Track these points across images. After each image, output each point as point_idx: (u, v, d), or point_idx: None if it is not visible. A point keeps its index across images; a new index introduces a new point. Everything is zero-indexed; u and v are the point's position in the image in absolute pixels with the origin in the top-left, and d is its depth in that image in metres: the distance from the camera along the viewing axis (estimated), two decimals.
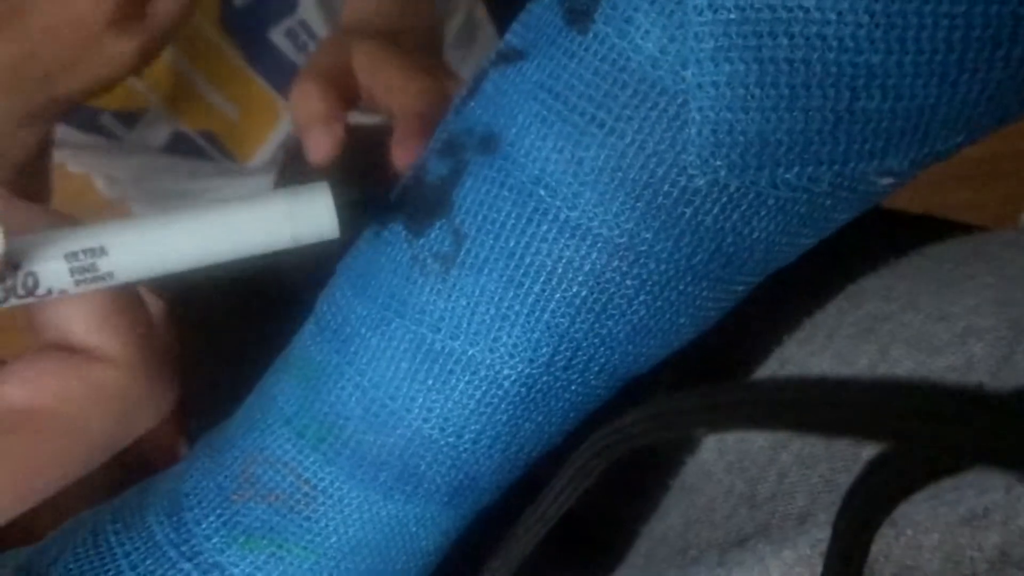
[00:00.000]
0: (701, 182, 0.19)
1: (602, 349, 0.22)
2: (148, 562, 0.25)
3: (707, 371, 0.24)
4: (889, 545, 0.14)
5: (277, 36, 0.58)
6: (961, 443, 0.13)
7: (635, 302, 0.21)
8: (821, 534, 0.16)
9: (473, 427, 0.23)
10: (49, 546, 0.29)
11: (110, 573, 0.26)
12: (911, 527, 0.14)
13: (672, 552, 0.24)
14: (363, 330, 0.23)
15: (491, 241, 0.21)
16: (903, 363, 0.20)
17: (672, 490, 0.25)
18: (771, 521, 0.21)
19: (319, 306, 0.25)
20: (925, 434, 0.12)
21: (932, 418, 0.13)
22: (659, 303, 0.21)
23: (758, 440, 0.23)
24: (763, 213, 0.20)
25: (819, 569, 0.15)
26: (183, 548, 0.25)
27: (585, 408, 0.24)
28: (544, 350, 0.22)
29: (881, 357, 0.21)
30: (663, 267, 0.21)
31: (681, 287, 0.21)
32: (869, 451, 0.20)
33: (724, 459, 0.24)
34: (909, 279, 0.24)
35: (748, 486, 0.22)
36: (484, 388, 0.22)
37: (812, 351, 0.23)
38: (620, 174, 0.20)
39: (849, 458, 0.20)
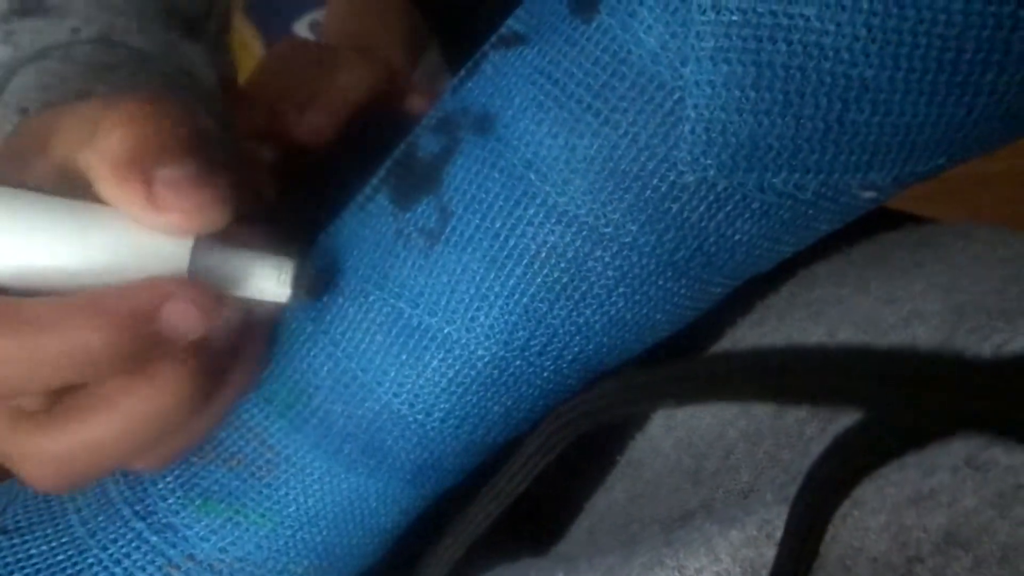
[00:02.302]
0: (690, 179, 0.20)
1: (577, 338, 0.22)
2: (100, 518, 0.25)
3: (660, 351, 0.24)
4: (835, 526, 0.15)
5: (300, 28, 0.58)
6: (943, 406, 0.13)
7: (614, 293, 0.21)
8: (769, 514, 0.16)
9: (443, 406, 0.23)
10: None
11: (59, 527, 0.26)
12: (858, 508, 0.15)
13: (614, 527, 0.24)
14: (340, 300, 0.23)
15: (477, 220, 0.21)
16: (851, 344, 0.21)
17: (619, 465, 0.26)
18: (714, 496, 0.21)
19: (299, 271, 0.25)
20: (904, 397, 0.13)
21: (911, 382, 0.13)
22: (638, 296, 0.22)
23: (706, 416, 0.23)
24: (747, 216, 0.20)
25: (767, 550, 0.15)
26: (137, 507, 0.25)
27: (554, 397, 0.24)
28: (520, 334, 0.22)
29: (829, 338, 0.22)
30: (645, 260, 0.21)
31: (661, 282, 0.21)
32: (812, 428, 0.20)
33: (672, 435, 0.24)
34: (860, 265, 0.25)
35: (694, 461, 0.23)
36: (457, 367, 0.22)
37: (764, 333, 0.24)
38: (611, 164, 0.20)
39: (794, 435, 0.20)
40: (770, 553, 0.15)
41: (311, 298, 0.22)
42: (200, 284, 0.20)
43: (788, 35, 0.18)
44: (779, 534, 0.15)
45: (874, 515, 0.14)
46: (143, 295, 0.19)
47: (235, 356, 0.22)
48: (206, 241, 0.21)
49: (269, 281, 0.21)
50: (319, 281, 0.23)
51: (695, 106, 0.19)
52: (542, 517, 0.27)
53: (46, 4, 0.30)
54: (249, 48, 0.58)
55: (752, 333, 0.24)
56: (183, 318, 0.19)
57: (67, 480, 0.21)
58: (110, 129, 0.20)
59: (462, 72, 0.23)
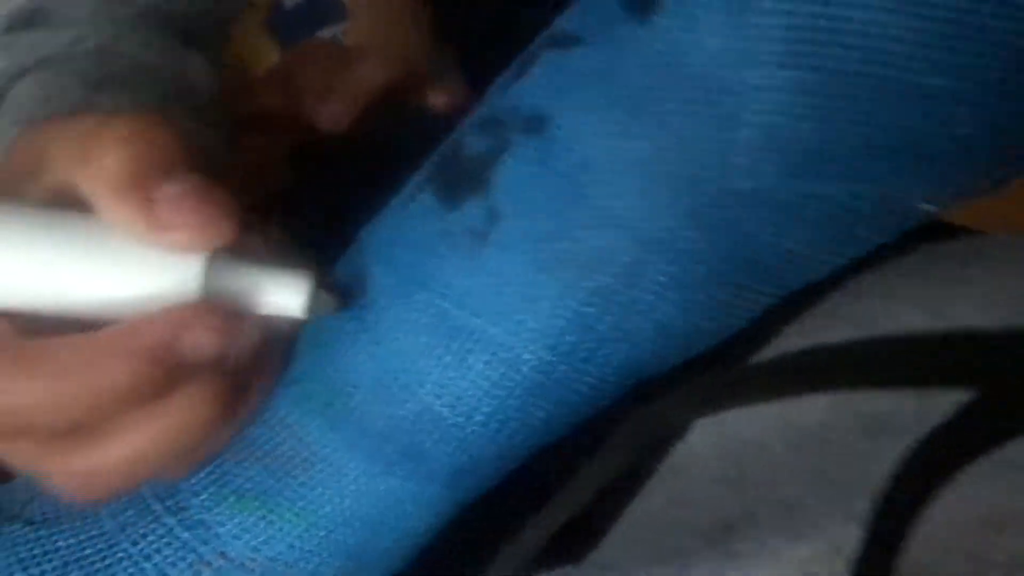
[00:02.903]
0: (746, 186, 0.19)
1: (625, 345, 0.22)
2: (129, 513, 0.25)
3: (699, 361, 0.23)
4: (908, 542, 0.14)
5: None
6: None
7: (664, 301, 0.21)
8: (838, 532, 0.16)
9: (485, 409, 0.22)
10: (18, 487, 0.28)
11: (88, 520, 0.25)
12: (931, 524, 0.14)
13: (653, 535, 0.24)
14: (383, 299, 0.23)
15: (526, 223, 0.21)
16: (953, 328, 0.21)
17: (658, 472, 0.25)
18: (757, 508, 0.21)
19: (340, 267, 0.25)
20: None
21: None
22: (687, 304, 0.21)
23: (751, 426, 0.23)
24: (801, 225, 0.20)
25: (837, 567, 0.15)
26: (168, 502, 0.24)
27: (594, 404, 0.24)
28: (568, 339, 0.21)
29: None
30: (696, 268, 0.21)
31: (711, 290, 0.21)
32: (864, 443, 0.20)
33: (715, 443, 0.24)
34: (908, 277, 0.24)
35: (737, 471, 0.22)
36: (501, 371, 0.22)
37: (809, 344, 0.23)
38: (666, 168, 0.20)
39: (844, 449, 0.20)
40: (839, 570, 0.14)
41: (330, 313, 0.22)
42: (216, 306, 0.20)
43: (856, 41, 0.18)
44: (848, 550, 0.14)
45: (950, 532, 0.14)
46: (160, 328, 0.19)
47: (258, 365, 0.22)
48: (219, 257, 0.20)
49: (287, 297, 0.21)
50: (342, 296, 0.22)
51: (755, 111, 0.19)
52: (578, 524, 0.26)
53: (46, 14, 0.30)
54: (266, 59, 0.59)
55: (799, 343, 0.24)
56: (203, 344, 0.19)
57: (99, 494, 0.21)
58: (106, 148, 0.19)
59: (510, 72, 0.23)
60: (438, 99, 0.39)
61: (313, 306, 0.21)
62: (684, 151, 0.19)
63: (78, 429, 0.19)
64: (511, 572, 0.20)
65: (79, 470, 0.20)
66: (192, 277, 0.20)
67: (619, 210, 0.20)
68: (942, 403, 0.19)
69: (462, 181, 0.22)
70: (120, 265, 0.20)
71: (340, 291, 0.22)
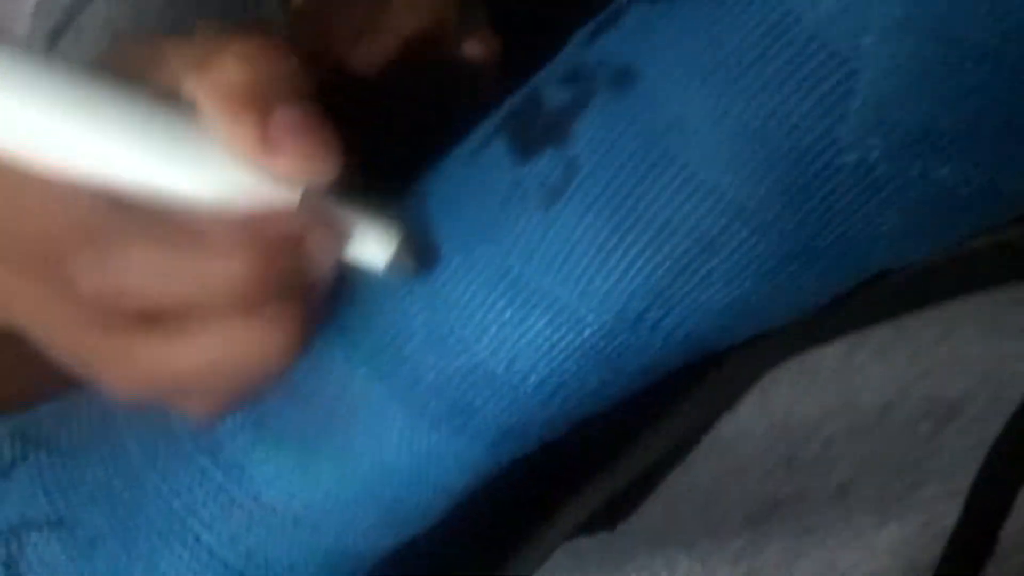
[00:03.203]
0: (849, 160, 0.18)
1: (694, 317, 0.21)
2: (160, 448, 0.24)
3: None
4: (1020, 532, 0.14)
5: None
6: None
7: (743, 274, 0.20)
8: (935, 510, 0.15)
9: (540, 371, 0.22)
10: (42, 415, 0.27)
11: (116, 452, 0.25)
12: None
13: (695, 508, 0.23)
14: (444, 248, 0.22)
15: (606, 180, 0.20)
16: (972, 342, 0.20)
17: (702, 445, 0.25)
18: (809, 487, 0.20)
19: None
20: None
21: None
22: (766, 280, 0.20)
23: (807, 404, 0.22)
24: (899, 206, 0.19)
25: (933, 548, 0.14)
26: (202, 441, 0.24)
27: (649, 376, 0.23)
28: (636, 305, 0.21)
29: (947, 334, 0.21)
30: (782, 242, 0.20)
31: (793, 268, 0.20)
32: (925, 427, 0.19)
33: (766, 420, 0.23)
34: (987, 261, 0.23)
35: (788, 449, 0.22)
36: (563, 332, 0.21)
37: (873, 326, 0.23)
38: (764, 134, 0.19)
39: (905, 433, 0.19)
40: (935, 550, 0.14)
41: (407, 275, 0.21)
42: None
43: (987, 11, 0.17)
44: (947, 530, 0.14)
45: None
46: (289, 222, 0.19)
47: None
48: (314, 191, 0.20)
49: (372, 247, 0.20)
50: (422, 253, 0.22)
51: (869, 81, 0.18)
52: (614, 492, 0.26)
53: None
54: None
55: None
56: (325, 250, 0.19)
57: (147, 391, 0.20)
58: (227, 61, 0.19)
59: (596, 22, 0.22)
60: (472, 49, 0.38)
61: (395, 263, 0.20)
62: (787, 119, 0.18)
63: (160, 319, 0.19)
64: (566, 534, 0.20)
65: (144, 365, 0.19)
66: (285, 204, 0.19)
67: (708, 175, 0.19)
68: (1015, 393, 0.19)
69: (539, 132, 0.21)
70: (218, 173, 0.19)
71: (422, 253, 0.21)
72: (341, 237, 0.20)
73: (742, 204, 0.19)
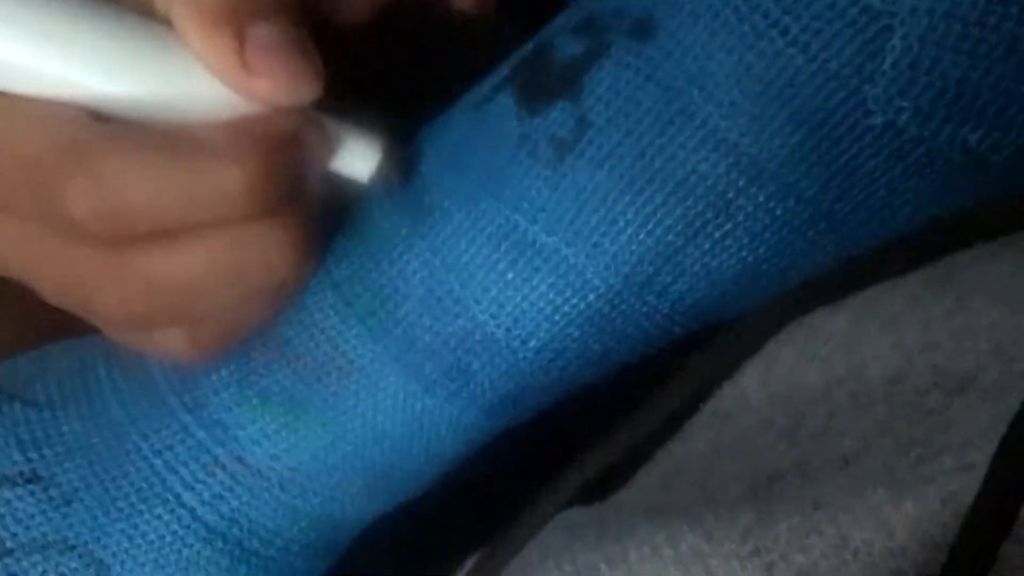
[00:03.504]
0: (878, 121, 0.17)
1: (705, 282, 0.20)
2: (142, 404, 0.23)
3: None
4: None
5: None
6: None
7: (759, 239, 0.19)
8: (954, 484, 0.14)
9: (542, 335, 0.21)
10: (19, 366, 0.26)
11: (96, 407, 0.24)
12: None
13: (692, 479, 0.22)
14: (447, 203, 0.21)
15: (620, 135, 0.19)
16: (985, 314, 0.19)
17: (702, 414, 0.24)
18: (811, 460, 0.20)
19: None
20: None
21: None
22: (782, 246, 0.19)
23: (810, 374, 0.21)
24: (925, 173, 0.18)
25: (952, 526, 0.14)
26: (185, 398, 0.23)
27: (653, 344, 0.22)
28: (646, 268, 0.20)
29: (959, 305, 0.20)
30: (801, 207, 0.19)
31: (811, 234, 0.19)
32: (934, 399, 0.19)
33: (767, 390, 0.22)
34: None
35: (791, 420, 0.21)
36: (567, 295, 0.20)
37: (882, 288, 0.22)
38: (791, 91, 0.18)
39: (912, 405, 0.19)
40: (955, 528, 0.13)
41: (391, 186, 0.21)
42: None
43: None
44: (966, 507, 0.13)
45: None
46: (284, 120, 0.18)
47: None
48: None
49: (355, 158, 0.20)
50: (404, 166, 0.21)
51: (904, 37, 0.17)
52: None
53: None
54: None
55: (868, 289, 0.22)
56: (318, 152, 0.18)
57: (144, 311, 0.19)
58: None
59: None
60: (463, 2, 0.36)
61: (379, 174, 0.20)
62: (817, 76, 0.17)
63: (154, 231, 0.18)
64: (560, 505, 0.19)
65: (142, 280, 0.18)
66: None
67: (728, 133, 0.18)
68: None
69: (550, 84, 0.20)
70: (195, 89, 0.18)
71: (405, 164, 0.21)
72: (330, 141, 0.19)
73: (762, 165, 0.18)
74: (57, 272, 0.19)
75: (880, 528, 0.14)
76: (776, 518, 0.16)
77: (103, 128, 0.17)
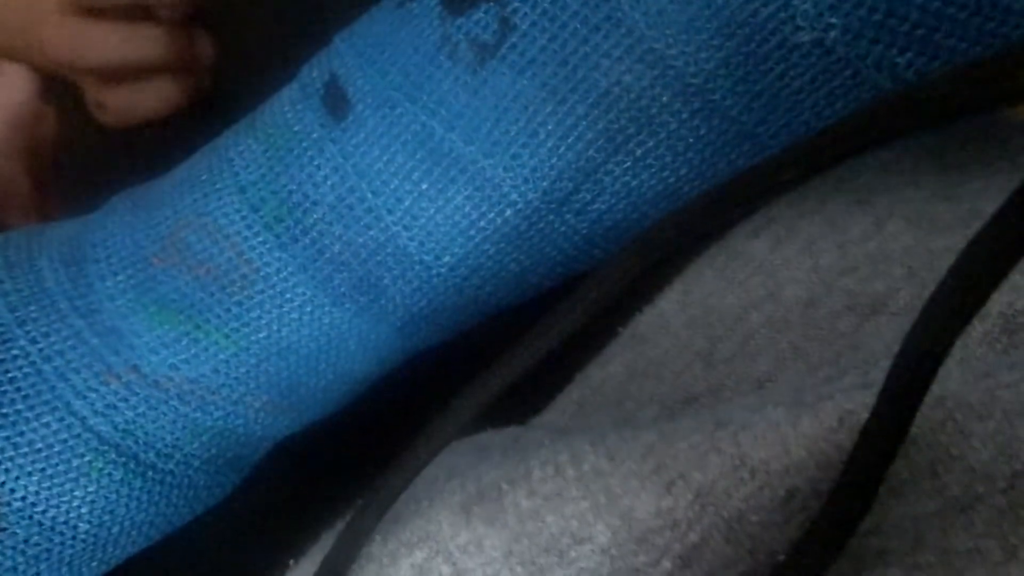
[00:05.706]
0: (805, 39, 0.17)
1: (625, 201, 0.20)
2: (31, 308, 0.22)
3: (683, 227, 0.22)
4: (933, 431, 0.13)
5: None
6: None
7: (681, 158, 0.19)
8: (851, 402, 0.14)
9: (456, 251, 0.20)
10: None
11: None
12: (961, 411, 0.13)
13: (608, 402, 0.22)
14: (361, 106, 0.20)
15: (544, 41, 0.18)
16: (900, 238, 0.19)
17: (620, 338, 0.24)
18: (725, 383, 0.20)
19: (307, 70, 0.21)
20: None
21: None
22: (704, 167, 0.19)
23: (728, 296, 0.21)
24: (849, 97, 0.18)
25: (847, 443, 0.14)
26: (78, 302, 0.21)
27: (572, 267, 0.22)
28: (565, 184, 0.19)
29: (876, 229, 0.20)
30: (726, 126, 0.18)
31: (733, 156, 0.19)
32: (846, 323, 0.19)
33: (686, 312, 0.22)
34: (916, 155, 0.23)
35: (708, 343, 0.21)
36: (483, 209, 0.19)
37: (802, 212, 0.22)
38: (719, 4, 0.17)
39: (825, 327, 0.19)
40: (850, 445, 0.13)
41: None
42: None
43: None
44: (862, 424, 0.13)
45: (980, 421, 0.13)
46: None
47: None
48: None
49: None
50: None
51: None
52: (524, 384, 0.25)
53: None
54: None
55: (789, 211, 0.22)
56: None
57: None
58: None
59: None
60: None
61: None
62: None
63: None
64: (459, 425, 0.19)
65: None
66: None
67: (654, 43, 0.18)
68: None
69: None
70: None
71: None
72: None
73: (688, 80, 0.18)
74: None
75: (777, 447, 0.14)
76: (677, 436, 0.16)
77: None
